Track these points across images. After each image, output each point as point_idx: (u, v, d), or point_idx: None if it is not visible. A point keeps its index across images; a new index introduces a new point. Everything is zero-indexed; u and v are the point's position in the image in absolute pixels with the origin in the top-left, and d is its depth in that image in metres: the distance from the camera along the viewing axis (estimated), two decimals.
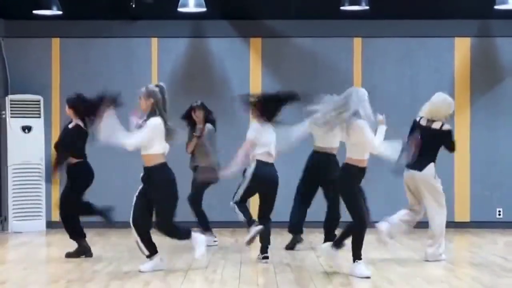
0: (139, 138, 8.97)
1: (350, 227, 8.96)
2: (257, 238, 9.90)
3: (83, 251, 10.20)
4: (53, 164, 10.17)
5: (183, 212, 11.20)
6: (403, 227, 10.16)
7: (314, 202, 12.78)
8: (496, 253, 10.67)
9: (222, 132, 11.86)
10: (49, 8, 12.51)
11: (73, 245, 10.40)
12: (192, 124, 11.52)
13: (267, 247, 10.03)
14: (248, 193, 10.05)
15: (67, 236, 12.18)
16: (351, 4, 12.29)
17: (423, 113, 10.14)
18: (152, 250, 9.23)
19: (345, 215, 9.28)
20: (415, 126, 10.11)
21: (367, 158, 8.95)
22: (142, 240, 9.14)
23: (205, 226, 11.42)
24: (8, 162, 13.01)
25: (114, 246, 11.19)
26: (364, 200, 8.98)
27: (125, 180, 13.07)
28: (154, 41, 13.54)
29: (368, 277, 8.72)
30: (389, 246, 10.37)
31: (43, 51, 13.50)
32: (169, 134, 9.10)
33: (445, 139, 10.05)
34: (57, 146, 10.39)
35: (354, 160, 8.87)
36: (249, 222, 9.89)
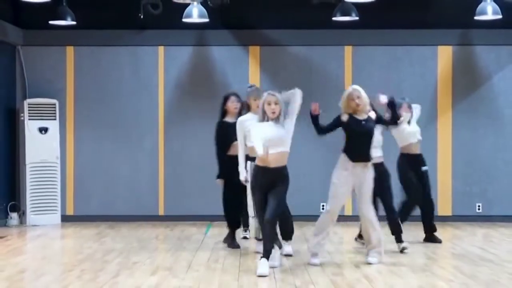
0: None
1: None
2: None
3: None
4: None
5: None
6: None
7: (307, 196, 12.84)
8: (475, 245, 10.71)
9: None
10: (64, 18, 12.53)
11: (82, 238, 10.42)
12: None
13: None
14: None
15: (80, 229, 12.24)
16: (342, 15, 12.32)
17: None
18: None
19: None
20: None
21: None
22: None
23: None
24: (26, 160, 13.03)
25: (124, 238, 11.21)
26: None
27: (133, 173, 13.15)
28: (161, 49, 13.56)
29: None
30: None
31: (58, 58, 13.52)
32: None
33: None
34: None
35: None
36: None
